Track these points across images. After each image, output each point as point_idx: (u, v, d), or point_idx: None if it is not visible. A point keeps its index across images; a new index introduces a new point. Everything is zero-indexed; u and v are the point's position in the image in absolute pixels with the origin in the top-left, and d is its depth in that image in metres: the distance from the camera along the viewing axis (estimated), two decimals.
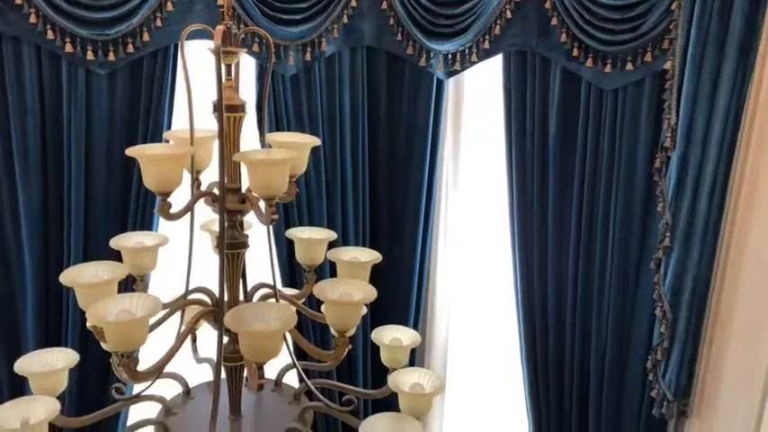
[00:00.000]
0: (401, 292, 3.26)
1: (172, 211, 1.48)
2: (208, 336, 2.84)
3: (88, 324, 1.50)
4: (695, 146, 2.60)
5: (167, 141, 1.81)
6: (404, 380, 1.63)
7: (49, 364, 1.57)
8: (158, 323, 1.58)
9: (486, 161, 3.30)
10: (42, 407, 1.43)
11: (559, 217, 2.98)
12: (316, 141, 1.69)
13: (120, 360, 1.34)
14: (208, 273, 3.16)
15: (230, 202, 1.55)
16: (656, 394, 2.87)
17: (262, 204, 1.49)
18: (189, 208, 1.51)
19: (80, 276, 1.47)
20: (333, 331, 1.60)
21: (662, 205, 2.73)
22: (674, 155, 2.65)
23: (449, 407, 3.78)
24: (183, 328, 1.61)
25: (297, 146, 1.60)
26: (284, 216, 2.89)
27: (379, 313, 2.66)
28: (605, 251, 2.91)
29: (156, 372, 1.41)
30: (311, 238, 1.86)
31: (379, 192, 3.16)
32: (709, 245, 2.69)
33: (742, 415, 2.62)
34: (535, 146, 2.92)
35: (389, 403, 1.61)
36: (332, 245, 1.88)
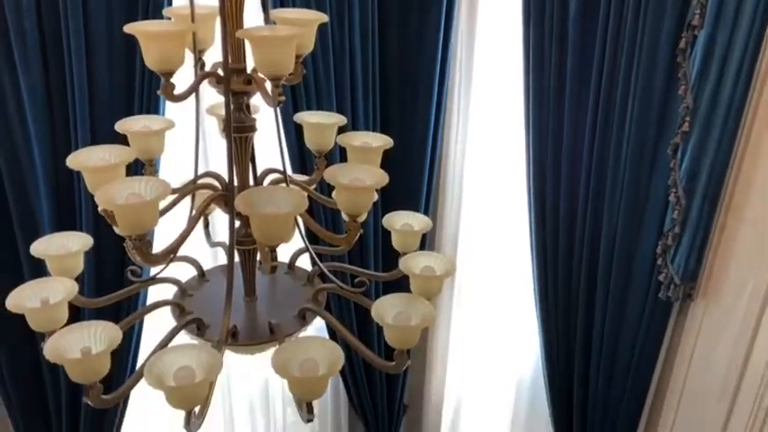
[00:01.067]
0: (412, 178, 3.24)
1: (176, 92, 1.43)
2: (220, 222, 2.88)
3: (99, 209, 1.50)
4: (724, 25, 2.45)
5: (168, 18, 1.72)
6: (415, 263, 1.64)
7: (65, 247, 1.59)
8: (169, 208, 1.57)
9: (503, 44, 3.17)
10: (61, 287, 1.46)
11: (576, 98, 2.89)
12: (322, 17, 1.60)
13: (133, 243, 1.34)
14: (217, 158, 3.16)
15: (235, 83, 1.49)
16: (663, 278, 2.91)
17: (268, 85, 1.44)
18: (193, 89, 1.46)
19: (87, 160, 1.45)
20: (344, 216, 1.60)
21: (684, 88, 2.63)
22: (700, 34, 2.51)
23: (458, 291, 3.88)
24: (194, 212, 1.61)
25: (303, 22, 1.52)
26: (292, 101, 2.83)
27: (390, 200, 2.66)
28: (621, 137, 2.84)
29: (170, 253, 1.42)
30: (321, 123, 1.81)
31: (390, 75, 3.06)
32: (729, 130, 2.61)
33: (746, 299, 2.67)
34: (554, 26, 2.77)
35: (400, 286, 1.63)
36: (342, 131, 1.84)
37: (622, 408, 3.32)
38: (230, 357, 3.65)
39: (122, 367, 3.11)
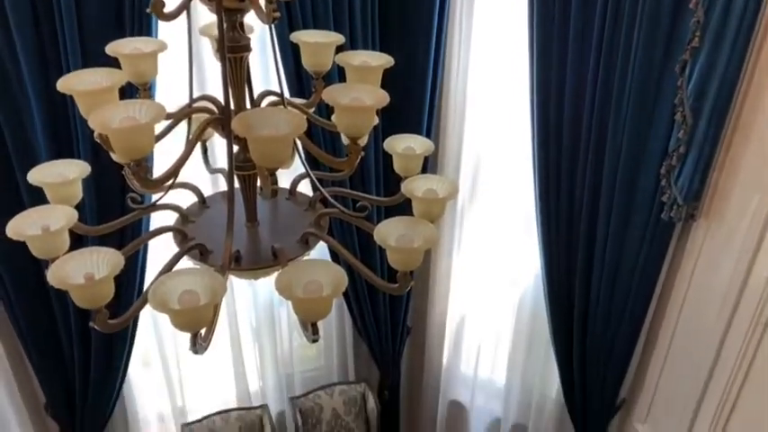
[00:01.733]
0: (413, 99, 3.18)
1: (167, 10, 1.36)
2: (219, 147, 2.84)
3: (95, 135, 1.47)
4: None
5: None
6: (417, 186, 1.62)
7: (62, 175, 1.57)
8: (165, 133, 1.54)
9: None
10: (61, 214, 1.45)
11: (582, 16, 2.79)
12: None
13: (131, 169, 1.32)
14: (212, 82, 3.08)
15: (228, 0, 1.43)
16: (666, 199, 2.90)
17: (262, 2, 1.38)
18: (184, 6, 1.39)
19: (78, 83, 1.41)
20: (344, 139, 1.57)
21: (695, 1, 2.52)
22: None
23: (460, 213, 3.88)
24: (191, 136, 1.58)
25: None
26: (288, 21, 2.73)
27: (391, 123, 2.61)
28: (628, 54, 2.76)
29: (169, 177, 1.40)
30: (318, 42, 1.74)
31: None
32: (740, 47, 2.52)
33: (749, 217, 2.67)
34: None
35: (402, 212, 1.61)
36: (340, 50, 1.77)
37: (622, 326, 3.39)
38: (235, 283, 3.72)
39: (129, 294, 3.16)
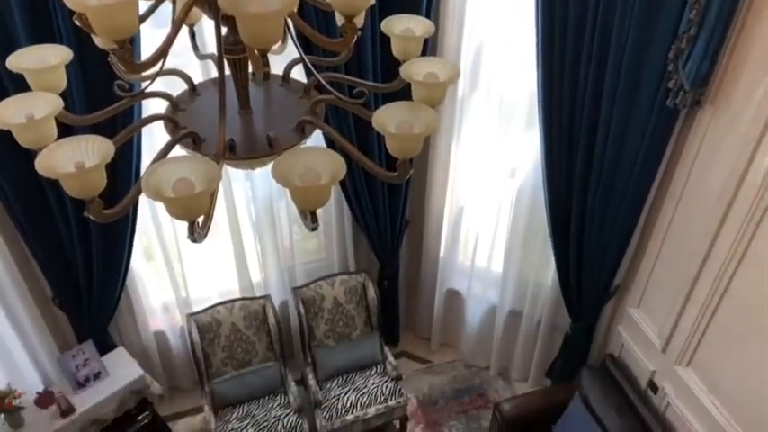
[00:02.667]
0: None
1: None
2: (207, 32, 2.71)
3: (74, 17, 1.38)
4: None
5: None
6: (417, 69, 1.54)
7: (44, 60, 1.49)
8: (148, 13, 1.44)
9: None
10: (45, 102, 1.39)
11: None
12: None
13: (116, 53, 1.24)
14: None
15: None
16: (672, 85, 2.81)
17: None
18: None
19: None
20: (339, 19, 1.47)
21: None
22: None
23: (461, 99, 3.78)
24: (177, 16, 1.48)
25: None
26: None
27: (388, 3, 2.48)
28: None
29: (156, 60, 1.32)
30: None
31: None
32: None
33: (757, 101, 2.60)
34: None
35: (401, 98, 1.55)
36: None
37: (620, 218, 3.41)
38: (232, 177, 3.68)
39: (126, 184, 3.14)
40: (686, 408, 3.35)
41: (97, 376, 3.56)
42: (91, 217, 1.31)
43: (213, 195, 1.32)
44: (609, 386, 3.74)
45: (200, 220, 1.32)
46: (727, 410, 3.09)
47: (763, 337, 2.81)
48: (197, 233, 1.31)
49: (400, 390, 4.12)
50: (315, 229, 1.40)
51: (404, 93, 1.60)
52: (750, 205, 2.72)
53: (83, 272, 3.49)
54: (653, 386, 3.61)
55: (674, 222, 3.29)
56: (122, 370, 3.65)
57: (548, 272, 4.10)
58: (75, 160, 1.26)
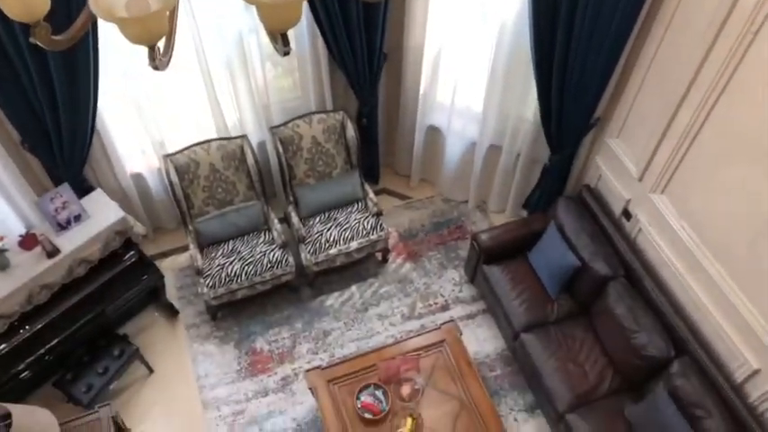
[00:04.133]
0: None
1: None
2: None
3: None
4: None
5: None
6: None
7: None
8: None
9: None
10: None
11: None
12: None
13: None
14: None
15: None
16: None
17: None
18: None
19: None
20: None
21: None
22: None
23: None
24: None
25: None
26: None
27: None
28: None
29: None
30: None
31: None
32: None
33: None
34: None
35: None
36: None
37: (604, 50, 3.28)
38: (198, 17, 3.42)
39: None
40: (657, 233, 3.49)
41: (78, 218, 3.56)
42: (39, 43, 1.19)
43: (173, 15, 1.20)
44: (584, 215, 3.86)
45: (161, 44, 1.21)
46: (696, 234, 3.22)
47: (739, 163, 2.85)
48: (158, 59, 1.21)
49: (381, 224, 4.22)
50: (287, 53, 1.31)
51: None
52: (741, 29, 2.61)
53: (49, 113, 3.34)
54: (627, 214, 3.73)
55: (660, 50, 3.18)
56: (103, 212, 3.65)
57: (528, 107, 4.03)
58: None
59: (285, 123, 4.13)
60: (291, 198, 4.27)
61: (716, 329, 3.18)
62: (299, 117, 4.15)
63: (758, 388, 3.03)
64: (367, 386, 3.43)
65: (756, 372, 3.00)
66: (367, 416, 3.33)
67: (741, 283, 3.00)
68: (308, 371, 3.55)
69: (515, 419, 3.78)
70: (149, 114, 3.87)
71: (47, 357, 3.53)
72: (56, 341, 3.55)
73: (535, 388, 3.75)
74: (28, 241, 3.43)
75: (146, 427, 3.72)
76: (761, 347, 2.93)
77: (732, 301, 3.03)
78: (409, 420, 3.29)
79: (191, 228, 4.06)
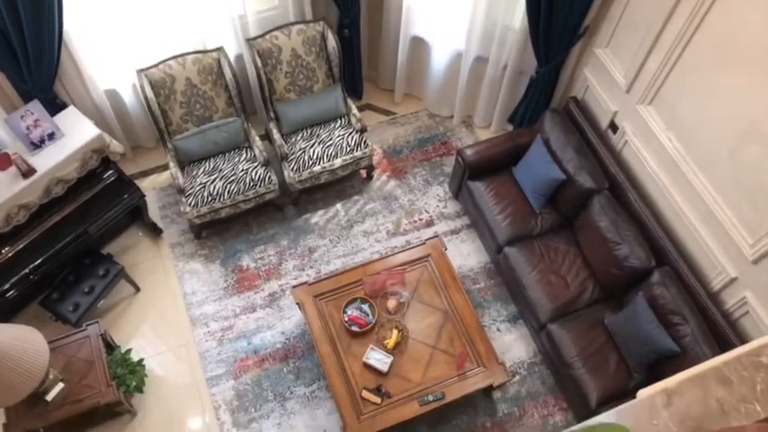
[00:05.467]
0: None
1: None
2: None
3: None
4: None
5: None
6: None
7: None
8: None
9: None
10: None
11: None
12: None
13: None
14: None
15: None
16: None
17: None
18: None
19: None
20: None
21: None
22: None
23: None
24: None
25: None
26: None
27: None
28: None
29: None
30: None
31: None
32: None
33: None
34: None
35: None
36: None
37: None
38: None
39: None
40: (643, 145, 3.47)
41: (52, 137, 3.45)
42: None
43: None
44: (570, 128, 3.82)
45: None
46: (681, 145, 3.21)
47: (729, 69, 2.80)
48: None
49: (365, 141, 4.15)
50: None
51: None
52: None
53: (11, 26, 3.16)
54: (613, 126, 3.69)
55: None
56: (78, 130, 3.54)
57: (516, 15, 3.89)
58: None
59: (263, 35, 3.96)
60: (272, 114, 4.16)
61: (696, 240, 3.22)
62: (278, 28, 3.98)
63: (734, 295, 3.11)
64: (353, 300, 3.48)
65: (733, 280, 3.07)
66: (354, 329, 3.39)
67: (723, 194, 3.02)
68: (294, 287, 3.58)
69: (498, 330, 3.88)
70: (120, 26, 3.68)
71: (31, 277, 3.52)
72: (39, 261, 3.53)
73: (518, 299, 3.83)
74: (1, 161, 3.33)
75: (135, 343, 3.77)
76: (739, 256, 2.99)
77: (714, 211, 3.06)
78: (395, 332, 3.37)
79: (170, 146, 3.96)
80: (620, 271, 3.42)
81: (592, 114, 3.86)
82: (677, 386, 1.12)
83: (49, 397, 3.12)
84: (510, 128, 4.56)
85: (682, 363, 3.13)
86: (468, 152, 3.95)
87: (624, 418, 1.10)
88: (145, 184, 4.35)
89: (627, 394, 3.26)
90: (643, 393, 1.16)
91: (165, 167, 4.39)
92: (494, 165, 4.00)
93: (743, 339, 3.12)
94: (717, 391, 1.11)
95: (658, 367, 3.27)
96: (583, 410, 3.35)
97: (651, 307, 3.23)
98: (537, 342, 3.74)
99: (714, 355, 3.05)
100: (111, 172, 3.77)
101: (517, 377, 3.72)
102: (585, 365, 3.35)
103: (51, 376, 3.11)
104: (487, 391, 3.51)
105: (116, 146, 3.75)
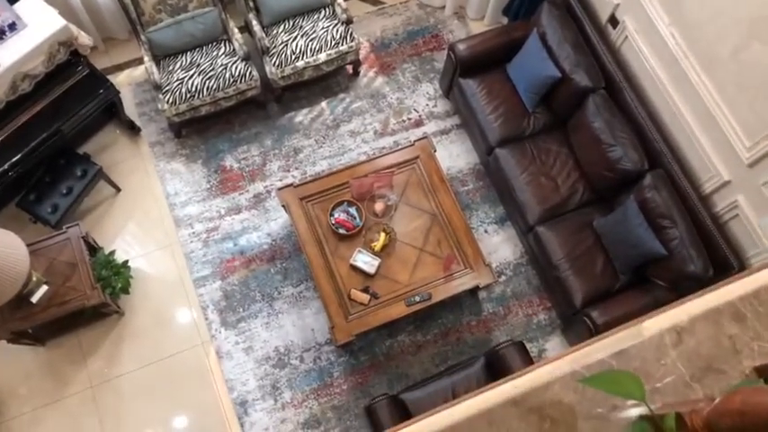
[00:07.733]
0: None
1: None
2: None
3: None
4: None
5: None
6: None
7: None
8: None
9: None
10: None
11: None
12: None
13: None
14: None
15: None
16: None
17: None
18: None
19: None
20: None
21: None
22: None
23: None
24: None
25: None
26: None
27: None
28: None
29: None
30: None
31: None
32: None
33: None
34: None
35: None
36: None
37: None
38: None
39: None
40: (643, 41, 3.30)
41: (13, 27, 3.19)
42: None
43: None
44: (568, 22, 3.60)
45: None
46: (684, 41, 3.05)
47: None
48: None
49: (351, 33, 3.92)
50: None
51: None
52: None
53: None
54: (614, 21, 3.49)
55: None
56: (41, 20, 3.27)
57: None
58: None
59: None
60: (252, 3, 3.89)
61: (692, 143, 3.14)
62: None
63: (725, 198, 3.08)
64: (340, 203, 3.41)
65: (726, 183, 3.02)
66: (341, 231, 3.35)
67: (723, 95, 2.90)
68: (279, 189, 3.50)
69: (486, 231, 3.86)
70: None
71: (10, 174, 3.37)
72: (13, 160, 3.37)
73: (506, 201, 3.78)
74: None
75: (119, 245, 3.72)
76: (735, 159, 2.92)
77: (712, 112, 2.96)
78: (383, 235, 3.33)
79: (143, 38, 3.72)
80: (612, 173, 3.35)
81: (592, 7, 3.64)
82: (689, 323, 1.06)
83: (34, 299, 3.10)
84: (504, 21, 4.31)
85: (668, 265, 3.15)
86: (461, 47, 3.74)
87: (629, 359, 1.06)
88: (120, 79, 4.12)
89: (612, 295, 3.30)
90: (650, 328, 1.11)
91: (141, 61, 4.14)
92: (487, 61, 3.81)
93: (729, 242, 3.11)
94: (730, 327, 1.07)
95: (644, 269, 3.29)
96: (568, 310, 3.40)
97: (641, 210, 3.19)
98: (524, 244, 3.74)
99: (700, 258, 3.06)
100: (81, 66, 3.54)
101: (503, 278, 3.75)
102: (572, 267, 3.36)
103: (35, 278, 3.08)
104: (473, 291, 3.54)
105: (85, 38, 3.49)
